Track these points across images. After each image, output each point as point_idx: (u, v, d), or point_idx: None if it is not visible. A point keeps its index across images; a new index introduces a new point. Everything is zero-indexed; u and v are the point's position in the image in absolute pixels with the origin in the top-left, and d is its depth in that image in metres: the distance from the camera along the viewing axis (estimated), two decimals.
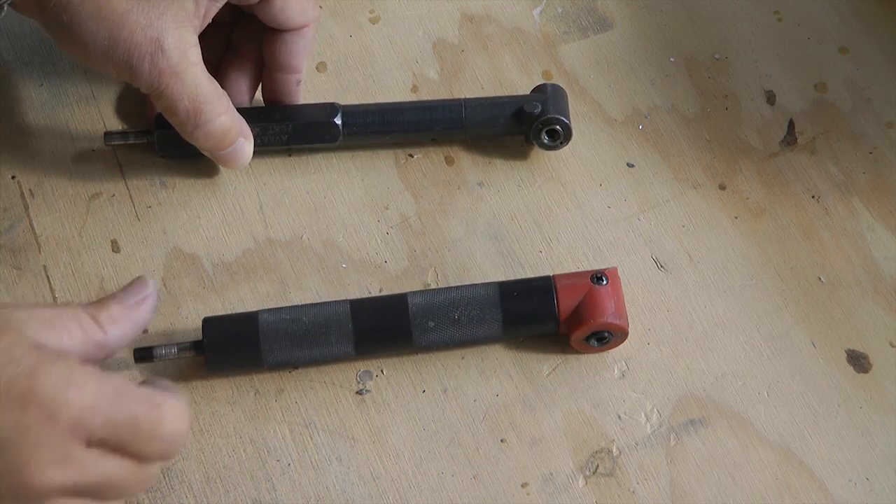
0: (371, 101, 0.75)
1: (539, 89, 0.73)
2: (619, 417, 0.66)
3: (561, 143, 0.72)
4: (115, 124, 0.73)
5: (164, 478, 0.63)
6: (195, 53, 0.64)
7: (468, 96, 0.75)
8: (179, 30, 0.62)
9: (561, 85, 0.73)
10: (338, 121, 0.71)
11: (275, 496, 0.63)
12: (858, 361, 0.68)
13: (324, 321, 0.64)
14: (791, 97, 0.76)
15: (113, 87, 0.74)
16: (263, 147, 0.71)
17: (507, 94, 0.75)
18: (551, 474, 0.64)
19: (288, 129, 0.71)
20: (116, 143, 0.71)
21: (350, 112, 0.71)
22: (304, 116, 0.71)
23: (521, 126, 0.72)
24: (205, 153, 0.67)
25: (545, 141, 0.72)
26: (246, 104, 0.72)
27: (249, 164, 0.70)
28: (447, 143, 0.74)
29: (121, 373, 0.65)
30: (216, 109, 0.65)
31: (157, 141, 0.70)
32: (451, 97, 0.75)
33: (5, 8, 0.62)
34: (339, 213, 0.71)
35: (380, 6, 0.79)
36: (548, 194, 0.72)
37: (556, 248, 0.71)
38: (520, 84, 0.76)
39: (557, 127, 0.71)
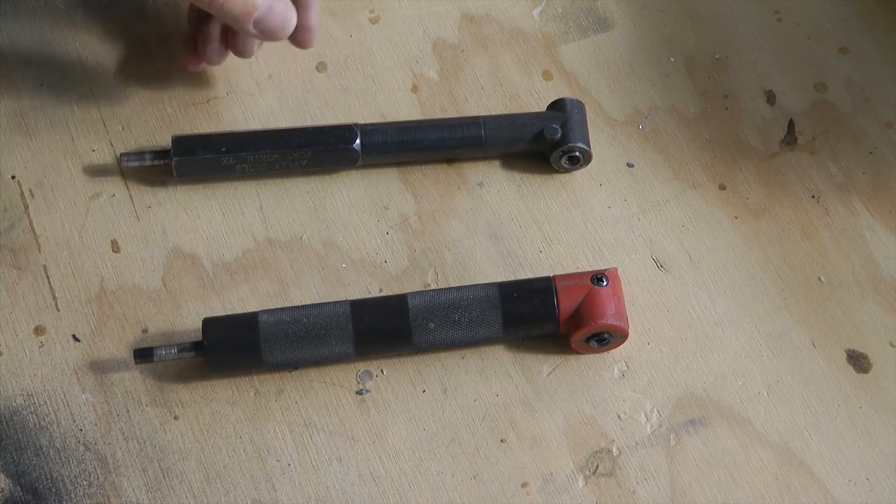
0: (371, 101, 0.75)
1: (557, 105, 0.72)
2: (619, 417, 0.66)
3: (581, 166, 0.72)
4: (115, 125, 0.73)
5: (165, 478, 0.63)
6: None
7: (468, 96, 0.75)
8: None
9: (578, 98, 0.73)
10: (357, 146, 0.70)
11: (275, 496, 0.63)
12: (858, 361, 0.68)
13: (324, 322, 0.64)
14: (791, 97, 0.76)
15: (113, 87, 0.74)
16: (282, 171, 0.71)
17: (507, 93, 0.75)
18: (551, 474, 0.64)
19: (307, 154, 0.70)
20: (132, 164, 0.70)
21: (368, 133, 0.71)
22: (322, 142, 0.70)
23: (541, 146, 0.72)
24: (240, 31, 0.67)
25: (565, 165, 0.72)
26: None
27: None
28: None
29: (120, 373, 0.66)
30: None
31: (174, 167, 0.70)
32: (452, 97, 0.75)
33: None
34: (339, 213, 0.71)
35: (380, 6, 0.79)
36: (548, 194, 0.72)
37: (556, 248, 0.71)
38: (520, 84, 0.76)
39: (577, 153, 0.71)
